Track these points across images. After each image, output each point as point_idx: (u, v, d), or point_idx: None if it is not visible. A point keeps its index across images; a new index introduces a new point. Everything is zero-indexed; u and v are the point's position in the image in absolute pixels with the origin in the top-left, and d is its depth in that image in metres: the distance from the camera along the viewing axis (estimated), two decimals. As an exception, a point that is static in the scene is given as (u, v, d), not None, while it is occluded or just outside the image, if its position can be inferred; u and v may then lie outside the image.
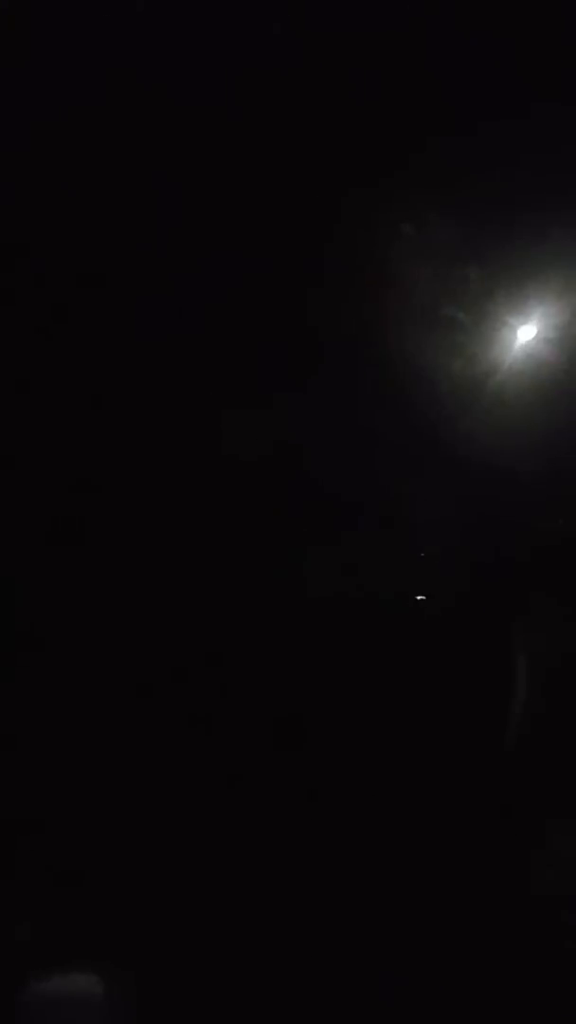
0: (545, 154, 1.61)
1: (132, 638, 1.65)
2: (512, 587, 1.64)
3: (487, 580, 1.63)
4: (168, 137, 1.63)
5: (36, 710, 1.62)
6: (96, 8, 1.63)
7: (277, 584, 1.62)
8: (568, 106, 1.59)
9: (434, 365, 1.64)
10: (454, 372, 1.64)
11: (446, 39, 1.60)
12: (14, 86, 1.62)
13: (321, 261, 1.65)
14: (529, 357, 1.66)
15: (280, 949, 1.57)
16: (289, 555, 1.64)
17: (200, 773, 1.61)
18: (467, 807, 1.62)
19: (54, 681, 1.63)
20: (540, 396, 1.66)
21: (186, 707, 1.63)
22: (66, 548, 1.65)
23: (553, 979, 1.58)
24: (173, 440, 1.66)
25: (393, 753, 1.63)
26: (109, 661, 1.64)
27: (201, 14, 1.61)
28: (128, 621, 1.65)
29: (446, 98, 1.59)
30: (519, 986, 1.58)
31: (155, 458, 1.66)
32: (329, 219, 1.63)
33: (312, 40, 1.61)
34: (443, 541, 1.65)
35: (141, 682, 1.64)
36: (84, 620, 1.64)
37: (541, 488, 1.63)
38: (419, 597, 1.62)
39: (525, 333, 1.63)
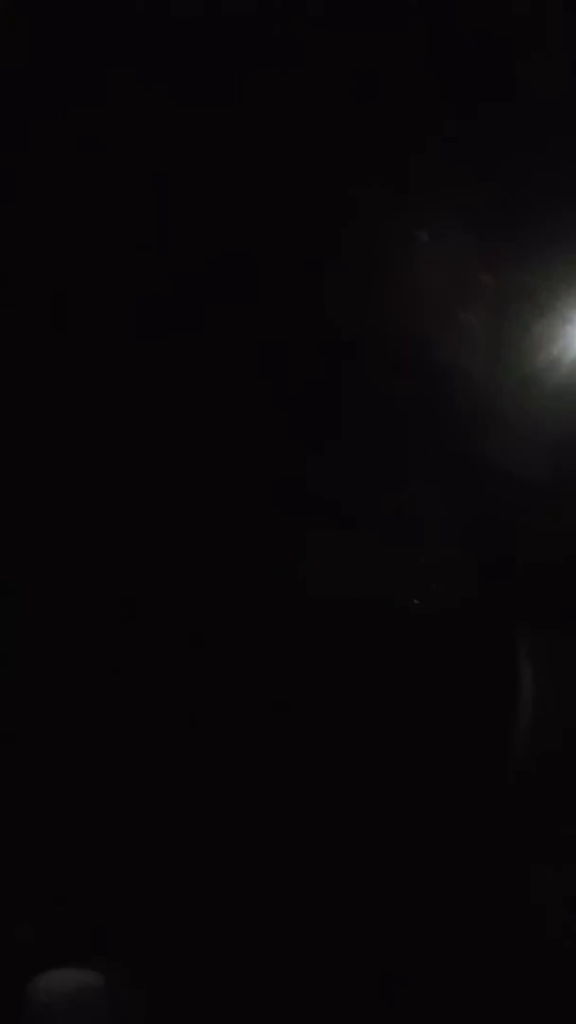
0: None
1: (130, 638, 1.65)
2: (516, 590, 1.65)
3: (490, 582, 1.64)
4: (168, 135, 1.63)
5: (35, 707, 1.62)
6: (96, 7, 1.64)
7: (275, 585, 1.62)
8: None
9: (444, 366, 1.65)
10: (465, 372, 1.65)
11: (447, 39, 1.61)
12: (13, 84, 1.63)
13: (330, 258, 1.65)
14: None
15: (280, 949, 1.57)
16: (288, 555, 1.64)
17: (199, 772, 1.61)
18: (469, 809, 1.62)
19: (54, 678, 1.63)
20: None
21: (185, 707, 1.63)
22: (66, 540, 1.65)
23: (554, 979, 1.58)
24: (173, 438, 1.66)
25: (391, 755, 1.63)
26: (108, 660, 1.64)
27: (201, 14, 1.62)
28: (125, 623, 1.65)
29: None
30: (519, 985, 1.58)
31: (155, 456, 1.66)
32: (341, 216, 1.63)
33: (312, 39, 1.61)
34: (446, 542, 1.65)
35: (140, 680, 1.64)
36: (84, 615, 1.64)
37: (546, 489, 1.64)
38: (417, 600, 1.63)
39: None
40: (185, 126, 1.62)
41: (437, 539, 1.64)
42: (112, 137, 1.63)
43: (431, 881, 1.60)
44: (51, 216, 1.64)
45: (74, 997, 1.35)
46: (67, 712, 1.63)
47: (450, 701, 1.62)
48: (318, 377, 1.64)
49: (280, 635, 1.61)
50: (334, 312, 1.65)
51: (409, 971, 1.58)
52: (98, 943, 1.48)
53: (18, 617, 1.62)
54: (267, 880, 1.58)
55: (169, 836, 1.59)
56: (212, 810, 1.59)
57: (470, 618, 1.64)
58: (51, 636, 1.64)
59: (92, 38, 1.61)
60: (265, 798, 1.59)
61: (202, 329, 1.65)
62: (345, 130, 1.62)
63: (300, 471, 1.62)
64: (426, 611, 1.63)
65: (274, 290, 1.64)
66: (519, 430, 1.63)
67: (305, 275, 1.65)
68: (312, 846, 1.59)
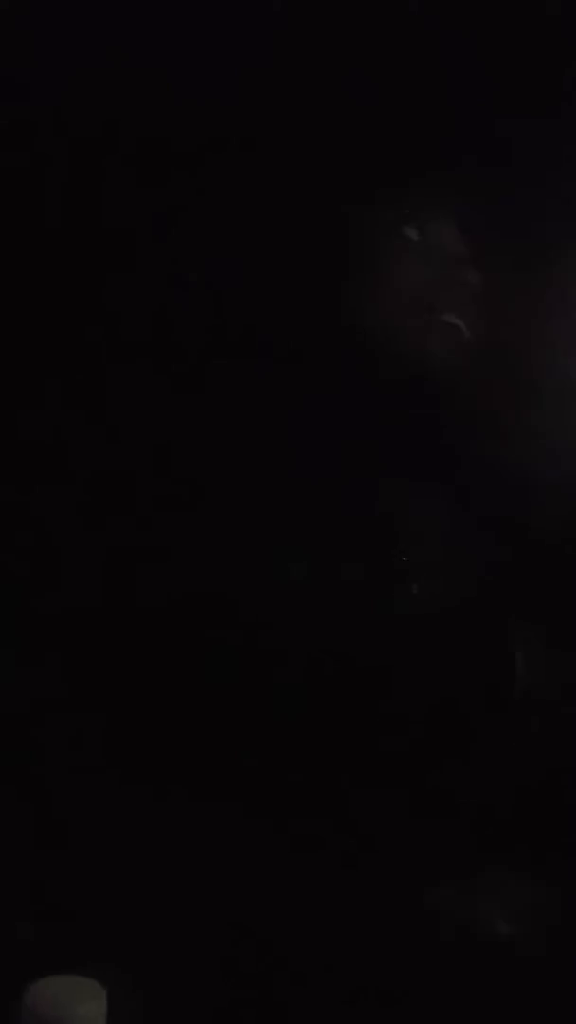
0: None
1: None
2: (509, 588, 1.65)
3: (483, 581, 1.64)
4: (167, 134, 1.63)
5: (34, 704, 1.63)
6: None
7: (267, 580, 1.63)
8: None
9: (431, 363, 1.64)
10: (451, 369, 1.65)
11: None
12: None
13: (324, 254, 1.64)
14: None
15: (280, 949, 1.58)
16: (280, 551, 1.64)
17: (199, 770, 1.61)
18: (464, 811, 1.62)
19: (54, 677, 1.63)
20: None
21: (183, 704, 1.63)
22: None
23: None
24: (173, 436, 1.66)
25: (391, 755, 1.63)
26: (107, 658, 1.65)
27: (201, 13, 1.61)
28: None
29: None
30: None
31: (154, 455, 1.66)
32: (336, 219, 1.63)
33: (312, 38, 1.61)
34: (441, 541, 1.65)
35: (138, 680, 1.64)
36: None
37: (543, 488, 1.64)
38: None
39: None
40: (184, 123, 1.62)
41: (430, 537, 1.64)
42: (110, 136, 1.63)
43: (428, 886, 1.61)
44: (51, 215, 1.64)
45: (69, 1004, 1.35)
46: (66, 710, 1.63)
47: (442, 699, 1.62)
48: (314, 371, 1.64)
49: (272, 631, 1.61)
50: (334, 307, 1.65)
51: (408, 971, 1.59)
52: (95, 947, 1.48)
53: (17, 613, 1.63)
54: (267, 880, 1.59)
55: (168, 837, 1.59)
56: (212, 809, 1.59)
57: (463, 616, 1.64)
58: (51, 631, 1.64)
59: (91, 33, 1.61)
60: (265, 796, 1.59)
61: (200, 326, 1.64)
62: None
63: (294, 468, 1.62)
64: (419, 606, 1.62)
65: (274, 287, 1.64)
66: (516, 429, 1.63)
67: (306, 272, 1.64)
68: (311, 845, 1.59)
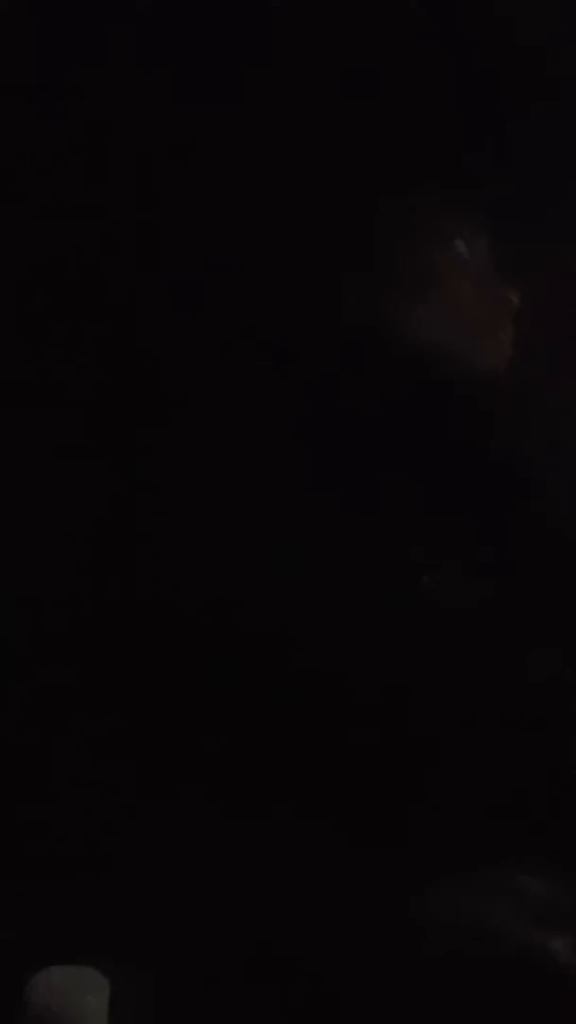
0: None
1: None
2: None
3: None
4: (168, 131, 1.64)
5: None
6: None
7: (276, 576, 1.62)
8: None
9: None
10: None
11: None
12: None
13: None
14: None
15: (281, 947, 1.57)
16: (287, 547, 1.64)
17: (199, 768, 1.60)
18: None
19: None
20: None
21: (184, 702, 1.62)
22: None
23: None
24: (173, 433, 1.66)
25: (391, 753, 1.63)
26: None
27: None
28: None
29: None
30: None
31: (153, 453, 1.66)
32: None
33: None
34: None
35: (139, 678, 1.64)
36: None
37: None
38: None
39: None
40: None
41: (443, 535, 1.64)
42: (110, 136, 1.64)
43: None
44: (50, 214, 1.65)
45: (72, 995, 1.34)
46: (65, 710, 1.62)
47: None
48: (322, 369, 1.65)
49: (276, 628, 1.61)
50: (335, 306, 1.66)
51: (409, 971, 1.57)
52: (96, 940, 1.47)
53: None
54: (267, 876, 1.58)
55: (168, 832, 1.58)
56: (212, 808, 1.58)
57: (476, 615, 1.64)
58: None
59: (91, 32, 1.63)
60: (266, 794, 1.58)
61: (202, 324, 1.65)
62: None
63: (302, 464, 1.62)
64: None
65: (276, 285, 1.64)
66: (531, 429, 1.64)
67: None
68: (312, 841, 1.58)
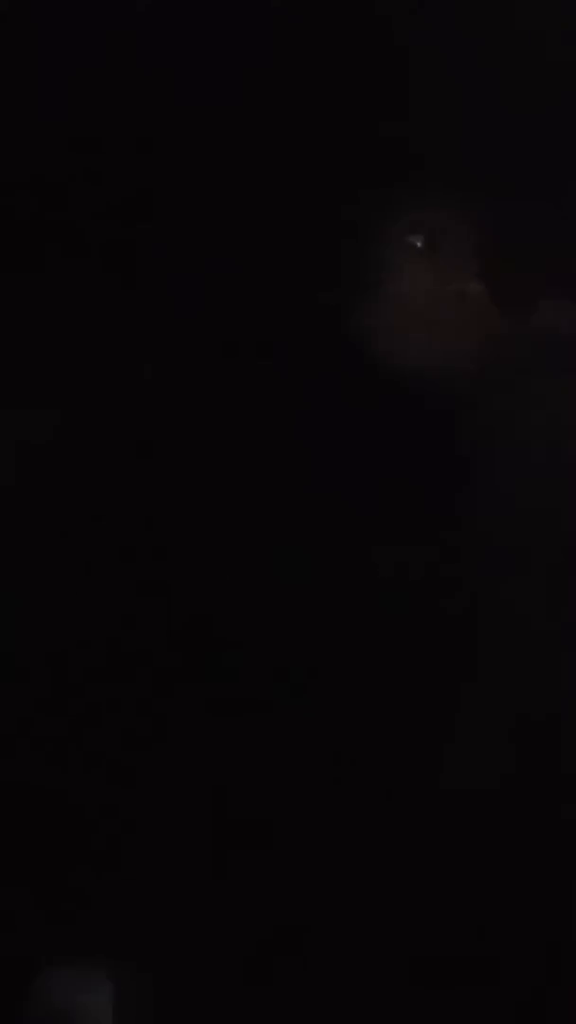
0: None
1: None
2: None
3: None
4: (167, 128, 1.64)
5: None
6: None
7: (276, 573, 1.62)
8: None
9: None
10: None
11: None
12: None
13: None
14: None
15: (282, 947, 1.57)
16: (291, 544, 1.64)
17: (200, 766, 1.60)
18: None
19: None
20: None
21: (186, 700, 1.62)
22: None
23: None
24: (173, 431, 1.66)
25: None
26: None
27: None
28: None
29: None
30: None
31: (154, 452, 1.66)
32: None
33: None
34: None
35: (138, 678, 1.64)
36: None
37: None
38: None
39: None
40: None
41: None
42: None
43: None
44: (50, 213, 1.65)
45: (75, 996, 1.34)
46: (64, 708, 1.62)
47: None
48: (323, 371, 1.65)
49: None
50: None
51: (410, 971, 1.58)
52: (98, 941, 1.47)
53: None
54: (270, 875, 1.58)
55: (169, 832, 1.58)
56: (213, 807, 1.58)
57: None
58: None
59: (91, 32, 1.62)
60: (268, 792, 1.58)
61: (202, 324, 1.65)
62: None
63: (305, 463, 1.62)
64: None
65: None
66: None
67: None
68: (314, 841, 1.58)
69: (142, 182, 1.63)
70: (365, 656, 1.59)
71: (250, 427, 1.61)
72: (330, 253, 1.63)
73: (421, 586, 1.60)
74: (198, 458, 1.60)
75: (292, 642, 1.59)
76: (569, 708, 1.59)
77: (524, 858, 1.57)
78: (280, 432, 1.61)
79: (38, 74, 1.62)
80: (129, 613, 1.60)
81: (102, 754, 1.57)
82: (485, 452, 1.62)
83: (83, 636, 1.60)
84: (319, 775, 1.58)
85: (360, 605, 1.59)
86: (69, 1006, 1.30)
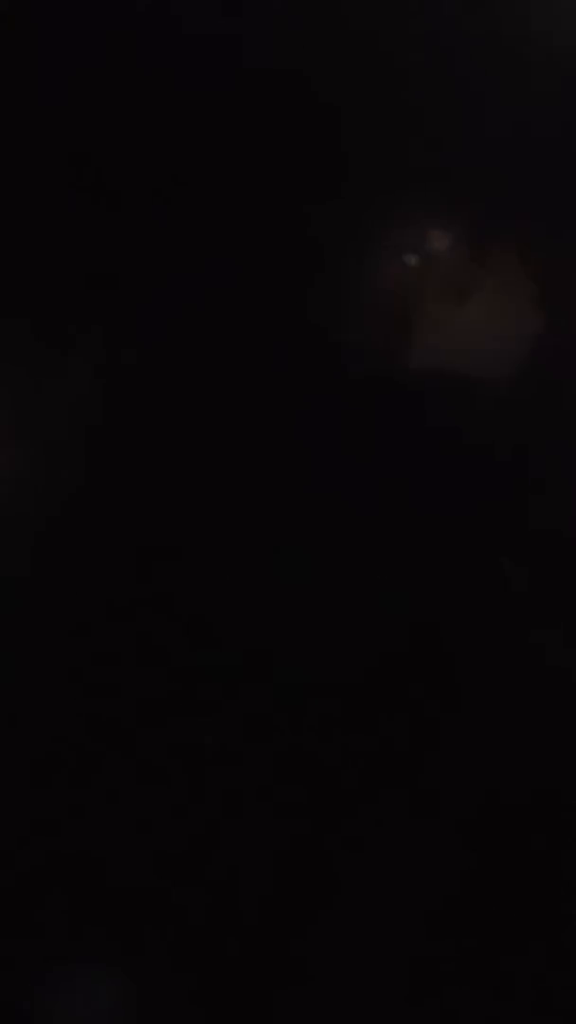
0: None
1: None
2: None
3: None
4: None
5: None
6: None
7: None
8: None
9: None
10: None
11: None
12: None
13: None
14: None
15: (283, 947, 1.57)
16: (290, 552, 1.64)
17: (201, 765, 1.60)
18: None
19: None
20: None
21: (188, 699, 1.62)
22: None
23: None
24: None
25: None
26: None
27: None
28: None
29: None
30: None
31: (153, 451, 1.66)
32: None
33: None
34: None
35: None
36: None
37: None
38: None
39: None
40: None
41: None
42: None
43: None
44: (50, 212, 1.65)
45: (76, 997, 1.34)
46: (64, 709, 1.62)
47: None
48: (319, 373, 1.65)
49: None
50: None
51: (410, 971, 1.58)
52: (97, 947, 1.47)
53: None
54: (272, 874, 1.58)
55: (169, 833, 1.58)
56: (214, 807, 1.58)
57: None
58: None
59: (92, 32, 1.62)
60: (270, 791, 1.59)
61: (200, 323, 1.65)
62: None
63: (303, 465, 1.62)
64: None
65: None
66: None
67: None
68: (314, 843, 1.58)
69: (136, 187, 1.63)
70: (366, 662, 1.59)
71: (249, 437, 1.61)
72: (327, 260, 1.64)
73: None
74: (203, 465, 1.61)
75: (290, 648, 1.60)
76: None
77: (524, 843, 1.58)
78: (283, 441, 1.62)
79: (38, 73, 1.63)
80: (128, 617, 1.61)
81: (101, 754, 1.58)
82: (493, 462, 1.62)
83: (79, 637, 1.61)
84: (317, 774, 1.59)
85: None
86: (70, 1008, 1.30)
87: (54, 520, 1.64)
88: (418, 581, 1.62)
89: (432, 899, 1.57)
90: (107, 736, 1.59)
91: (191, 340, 1.62)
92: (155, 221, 1.63)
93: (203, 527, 1.61)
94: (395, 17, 1.61)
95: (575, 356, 1.63)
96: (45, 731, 1.61)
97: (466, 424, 1.61)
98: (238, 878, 1.56)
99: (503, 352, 1.65)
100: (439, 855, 1.58)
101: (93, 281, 1.64)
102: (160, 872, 1.56)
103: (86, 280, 1.64)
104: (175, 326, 1.63)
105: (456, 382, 1.62)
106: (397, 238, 1.67)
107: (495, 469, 1.61)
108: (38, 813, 1.57)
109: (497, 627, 1.60)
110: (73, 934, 1.50)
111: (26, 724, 1.60)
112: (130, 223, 1.63)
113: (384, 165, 1.62)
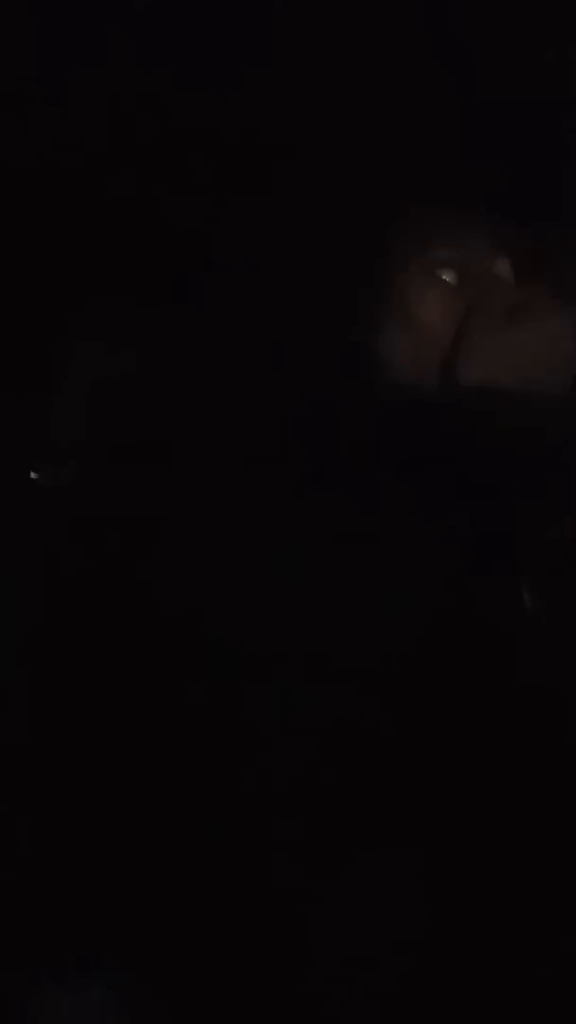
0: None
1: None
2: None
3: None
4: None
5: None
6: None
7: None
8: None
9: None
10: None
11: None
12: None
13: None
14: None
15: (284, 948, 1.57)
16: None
17: (202, 766, 1.60)
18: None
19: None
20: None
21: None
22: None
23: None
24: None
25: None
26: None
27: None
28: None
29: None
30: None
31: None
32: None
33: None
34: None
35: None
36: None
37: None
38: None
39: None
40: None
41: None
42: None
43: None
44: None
45: (76, 997, 1.34)
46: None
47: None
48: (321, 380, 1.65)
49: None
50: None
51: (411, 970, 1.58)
52: (97, 947, 1.47)
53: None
54: (272, 873, 1.58)
55: (169, 834, 1.58)
56: (215, 807, 1.58)
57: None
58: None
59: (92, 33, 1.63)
60: (271, 792, 1.58)
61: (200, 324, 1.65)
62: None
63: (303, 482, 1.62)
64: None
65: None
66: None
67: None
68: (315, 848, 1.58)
69: (146, 194, 1.63)
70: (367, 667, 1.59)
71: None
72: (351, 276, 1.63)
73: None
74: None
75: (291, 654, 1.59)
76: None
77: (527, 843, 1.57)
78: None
79: (38, 74, 1.63)
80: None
81: (101, 754, 1.58)
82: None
83: (79, 639, 1.61)
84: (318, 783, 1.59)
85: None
86: (70, 1008, 1.30)
87: (54, 518, 1.65)
88: (450, 598, 1.61)
89: (431, 908, 1.57)
90: (107, 735, 1.59)
91: (236, 366, 1.62)
92: (161, 218, 1.64)
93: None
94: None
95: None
96: (45, 731, 1.61)
97: (510, 443, 1.61)
98: (238, 878, 1.56)
99: (552, 374, 1.65)
100: (439, 862, 1.58)
101: (93, 281, 1.64)
102: (160, 871, 1.57)
103: (86, 280, 1.64)
104: (221, 354, 1.62)
105: (500, 402, 1.62)
106: (440, 256, 1.67)
107: (537, 488, 1.60)
108: (38, 812, 1.58)
109: (512, 647, 1.60)
110: (73, 934, 1.50)
111: (26, 723, 1.60)
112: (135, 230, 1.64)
113: (427, 180, 1.62)
